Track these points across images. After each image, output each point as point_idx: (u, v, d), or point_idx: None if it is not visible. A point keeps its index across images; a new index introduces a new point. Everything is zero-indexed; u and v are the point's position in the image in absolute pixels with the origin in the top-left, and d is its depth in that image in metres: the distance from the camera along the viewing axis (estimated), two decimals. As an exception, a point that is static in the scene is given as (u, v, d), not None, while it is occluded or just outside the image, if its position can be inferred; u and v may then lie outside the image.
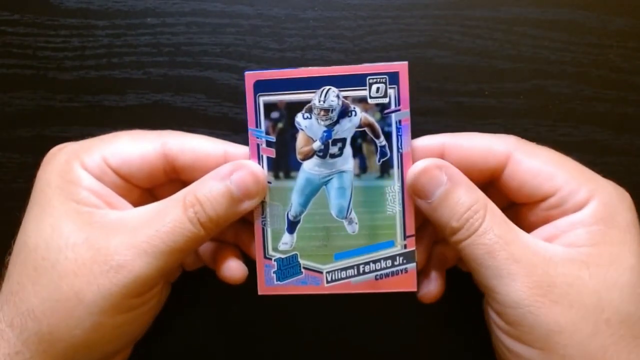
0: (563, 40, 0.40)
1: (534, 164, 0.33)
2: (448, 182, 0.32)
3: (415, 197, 0.33)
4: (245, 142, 0.35)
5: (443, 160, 0.33)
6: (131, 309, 0.31)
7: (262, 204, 0.34)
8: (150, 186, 0.35)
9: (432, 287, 0.36)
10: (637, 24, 0.40)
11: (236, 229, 0.37)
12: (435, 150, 0.34)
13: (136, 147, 0.33)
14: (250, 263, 0.36)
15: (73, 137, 0.38)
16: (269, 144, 0.34)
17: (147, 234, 0.30)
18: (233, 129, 0.39)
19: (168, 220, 0.31)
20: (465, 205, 0.31)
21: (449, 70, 0.40)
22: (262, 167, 0.34)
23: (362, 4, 0.39)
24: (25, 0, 0.40)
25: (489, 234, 0.30)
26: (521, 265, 0.30)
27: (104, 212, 0.32)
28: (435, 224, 0.33)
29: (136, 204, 0.34)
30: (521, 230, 0.32)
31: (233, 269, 0.36)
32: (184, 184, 0.33)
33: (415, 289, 0.35)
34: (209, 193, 0.32)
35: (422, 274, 0.36)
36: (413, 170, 0.33)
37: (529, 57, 0.40)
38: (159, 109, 0.40)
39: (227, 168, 0.33)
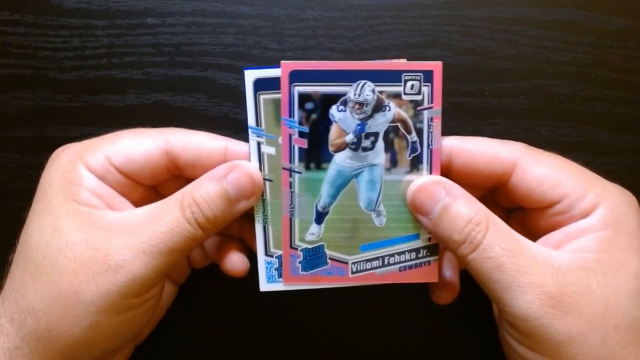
0: (563, 40, 0.40)
1: (540, 171, 0.33)
2: (447, 196, 0.32)
3: (416, 214, 0.33)
4: (245, 141, 0.34)
5: (440, 177, 0.33)
6: (129, 308, 0.31)
7: (291, 194, 0.34)
8: (154, 183, 0.35)
9: (448, 289, 0.37)
10: (637, 24, 0.40)
11: (240, 223, 0.37)
12: (443, 152, 0.34)
13: (139, 145, 0.33)
14: (253, 261, 0.36)
15: (73, 137, 0.38)
16: (301, 134, 0.34)
17: (145, 234, 0.31)
18: (233, 129, 0.39)
19: (166, 220, 0.31)
20: (466, 218, 0.31)
21: (449, 70, 0.40)
22: (294, 157, 0.34)
23: (362, 4, 0.40)
24: (25, 0, 0.40)
25: (495, 247, 0.30)
26: (530, 277, 0.30)
27: (104, 213, 0.32)
28: (439, 240, 0.33)
29: (140, 201, 0.34)
30: (527, 240, 0.32)
31: (235, 262, 0.36)
32: (188, 180, 0.33)
33: (437, 280, 0.35)
34: (205, 194, 0.32)
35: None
36: (411, 188, 0.33)
37: (529, 57, 0.40)
38: (159, 109, 0.40)
39: (222, 169, 0.33)
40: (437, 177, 0.33)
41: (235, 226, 0.37)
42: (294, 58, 0.40)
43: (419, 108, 0.33)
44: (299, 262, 0.35)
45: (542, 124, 0.40)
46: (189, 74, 0.40)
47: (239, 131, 0.39)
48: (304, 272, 0.35)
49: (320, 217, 0.35)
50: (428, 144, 0.34)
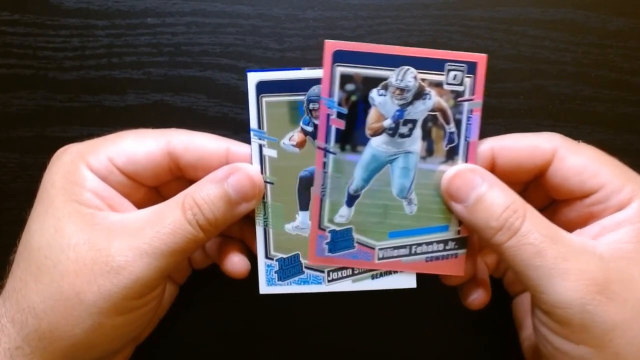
0: (563, 40, 0.40)
1: (578, 161, 0.33)
2: (483, 183, 0.32)
3: (451, 201, 0.33)
4: (245, 141, 0.35)
5: (475, 165, 0.33)
6: (131, 310, 0.31)
7: (324, 175, 0.34)
8: (156, 184, 0.35)
9: (480, 294, 0.36)
10: (637, 24, 0.40)
11: (241, 225, 0.37)
12: (485, 155, 0.34)
13: (141, 146, 0.33)
14: (253, 262, 0.36)
15: (73, 137, 0.38)
16: (340, 115, 0.33)
17: (147, 235, 0.31)
18: (233, 129, 0.39)
19: (168, 221, 0.31)
20: (503, 205, 0.31)
21: (449, 70, 0.40)
22: (330, 138, 0.33)
23: (362, 4, 0.39)
24: (25, 0, 0.40)
25: (534, 234, 0.30)
26: (573, 263, 0.29)
27: (105, 214, 0.32)
28: (473, 227, 0.33)
29: (142, 202, 0.34)
30: (564, 230, 0.31)
31: (236, 263, 0.36)
32: (189, 181, 0.34)
33: (462, 274, 0.35)
34: (206, 196, 0.32)
35: (469, 282, 0.37)
36: (447, 175, 0.33)
37: (529, 57, 0.40)
38: (159, 109, 0.40)
39: (223, 171, 0.33)
40: (473, 165, 0.33)
41: (236, 228, 0.37)
42: (293, 58, 0.40)
43: (459, 99, 0.33)
44: (326, 244, 0.35)
45: (542, 124, 0.40)
46: (189, 74, 0.40)
47: (238, 131, 0.39)
48: (330, 254, 0.35)
49: (351, 200, 0.34)
50: (466, 136, 0.33)
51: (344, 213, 0.34)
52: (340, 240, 0.35)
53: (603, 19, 0.40)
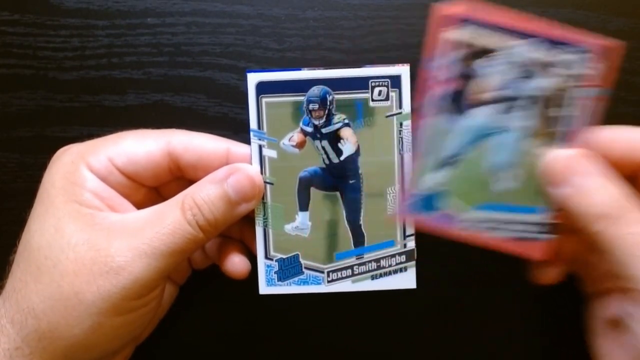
0: (563, 40, 0.40)
1: None
2: (587, 170, 0.31)
3: (550, 184, 0.32)
4: (245, 141, 0.35)
5: (582, 150, 0.32)
6: (131, 310, 0.31)
7: (421, 137, 0.33)
8: (156, 185, 0.35)
9: (553, 271, 0.36)
10: (637, 24, 0.40)
11: (241, 225, 0.37)
12: (591, 144, 0.33)
13: (141, 147, 0.34)
14: (253, 262, 0.36)
15: (73, 137, 0.38)
16: (446, 80, 0.32)
17: (147, 235, 0.31)
18: (233, 129, 0.39)
19: (168, 222, 0.31)
20: (607, 193, 0.30)
21: (449, 71, 0.39)
22: (432, 102, 0.33)
23: (362, 4, 0.39)
24: (25, 0, 0.40)
25: (639, 223, 0.29)
26: None
27: (105, 215, 0.32)
28: (570, 213, 0.32)
29: (142, 202, 0.34)
30: None
31: (236, 263, 0.36)
32: (189, 182, 0.34)
33: (545, 259, 0.34)
34: (206, 196, 0.32)
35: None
36: (550, 157, 0.32)
37: (529, 57, 0.40)
38: (159, 109, 0.40)
39: (223, 171, 0.33)
40: (578, 150, 0.32)
41: (236, 228, 0.37)
42: (293, 58, 0.40)
43: (577, 83, 0.32)
44: (413, 203, 0.34)
45: (542, 124, 0.40)
46: (189, 74, 0.40)
47: (238, 131, 0.39)
48: (414, 213, 0.34)
49: (446, 166, 0.33)
50: (575, 123, 0.32)
51: (436, 177, 0.33)
52: (427, 202, 0.34)
53: (603, 19, 0.40)
